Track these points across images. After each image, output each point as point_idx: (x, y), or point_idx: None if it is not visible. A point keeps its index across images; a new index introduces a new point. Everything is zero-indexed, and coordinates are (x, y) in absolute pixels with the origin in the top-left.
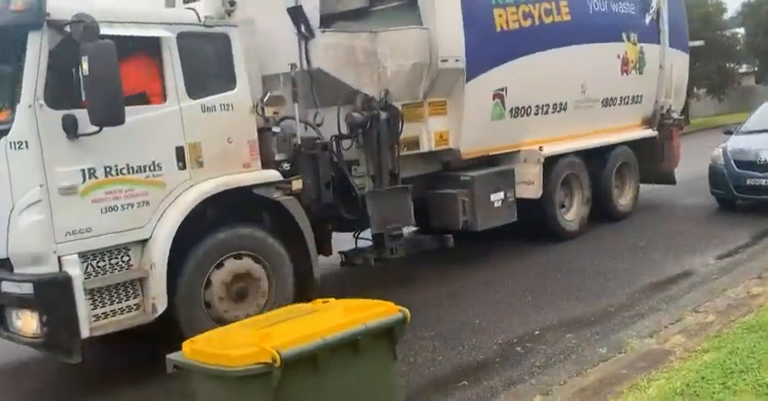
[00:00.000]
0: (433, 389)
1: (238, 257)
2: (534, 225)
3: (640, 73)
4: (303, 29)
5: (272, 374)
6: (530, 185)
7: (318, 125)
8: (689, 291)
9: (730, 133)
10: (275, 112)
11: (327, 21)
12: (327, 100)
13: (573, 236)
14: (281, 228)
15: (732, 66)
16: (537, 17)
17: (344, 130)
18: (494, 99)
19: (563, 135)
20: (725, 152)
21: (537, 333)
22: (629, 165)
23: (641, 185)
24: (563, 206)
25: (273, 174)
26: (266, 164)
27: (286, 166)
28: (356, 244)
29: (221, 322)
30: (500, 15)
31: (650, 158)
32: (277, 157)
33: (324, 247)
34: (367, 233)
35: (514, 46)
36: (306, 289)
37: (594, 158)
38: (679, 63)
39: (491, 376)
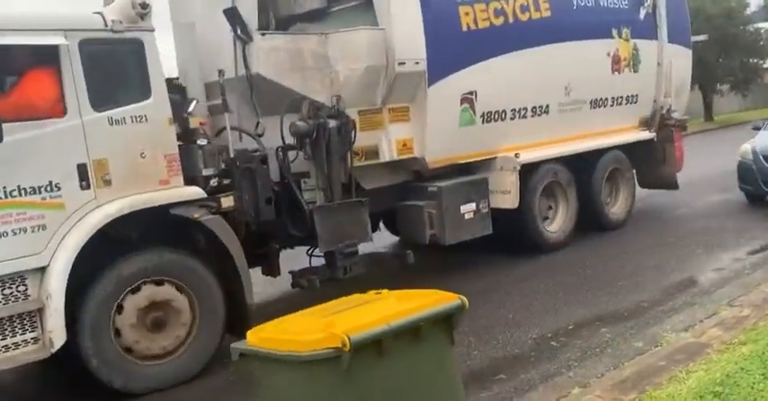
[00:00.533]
0: (471, 382)
1: (159, 283)
2: (514, 237)
3: (635, 71)
4: (240, 32)
5: (342, 358)
6: (506, 195)
7: (260, 135)
8: (722, 286)
9: (758, 129)
10: (201, 123)
11: (286, 22)
12: (272, 108)
13: (557, 248)
14: (214, 251)
15: (756, 61)
16: (511, 14)
17: (291, 140)
18: (462, 103)
19: (546, 139)
20: (753, 148)
21: (571, 327)
22: (622, 171)
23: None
24: (546, 217)
25: (193, 192)
26: (192, 180)
27: (214, 182)
28: (310, 262)
29: (132, 352)
30: (466, 13)
31: (650, 162)
32: (204, 172)
33: (271, 268)
34: None
35: (484, 46)
36: (240, 317)
37: (582, 164)
38: (680, 60)
39: (527, 369)
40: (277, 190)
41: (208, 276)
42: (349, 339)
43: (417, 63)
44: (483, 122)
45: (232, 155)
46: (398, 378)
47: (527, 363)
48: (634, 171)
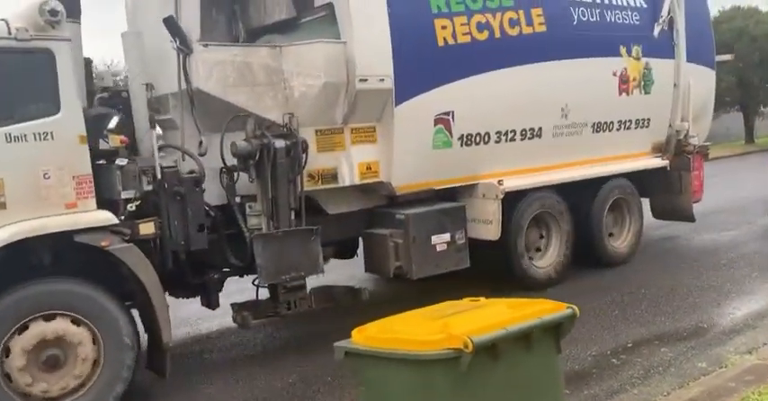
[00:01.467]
0: None
1: (49, 318)
2: (496, 272)
3: (646, 92)
4: (179, 43)
5: (461, 359)
6: (488, 225)
7: (201, 155)
8: None
9: None
10: (123, 141)
11: (255, 34)
12: (218, 126)
13: (545, 286)
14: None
15: None
16: (497, 29)
17: (234, 161)
18: (436, 124)
19: (539, 165)
20: None
21: (629, 345)
22: (628, 202)
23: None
24: (538, 249)
25: (101, 217)
26: (111, 203)
27: (132, 206)
28: (257, 294)
29: (29, 397)
30: (443, 27)
31: (664, 191)
32: (124, 195)
33: (210, 299)
34: None
35: (465, 63)
36: (158, 354)
37: (580, 193)
38: (701, 81)
39: (591, 386)
40: (215, 215)
41: (113, 308)
42: (472, 341)
43: (382, 80)
44: (462, 145)
45: (159, 177)
46: (510, 382)
47: (590, 379)
48: (648, 200)
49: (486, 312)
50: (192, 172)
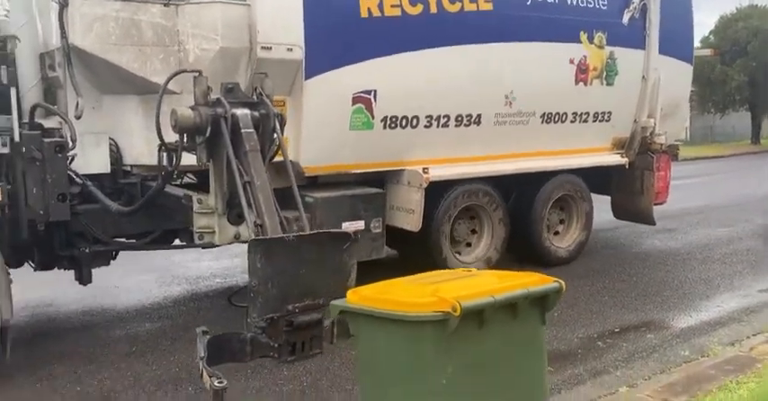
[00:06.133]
0: None
1: None
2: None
3: (609, 84)
4: None
5: (449, 322)
6: (410, 214)
7: (77, 117)
8: None
9: None
10: None
11: None
12: (108, 87)
13: None
14: None
15: None
16: (433, 3)
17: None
18: (354, 103)
19: (475, 155)
20: None
21: (617, 330)
22: (576, 200)
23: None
24: (469, 244)
25: None
26: None
27: None
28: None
29: None
30: None
31: (624, 191)
32: None
33: (81, 273)
34: None
35: (392, 38)
36: None
37: (521, 188)
38: (675, 75)
39: (575, 365)
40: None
41: None
42: (460, 305)
43: (290, 49)
44: (385, 128)
45: (17, 139)
46: (494, 348)
47: (575, 359)
48: (609, 198)
49: (477, 281)
50: (51, 136)
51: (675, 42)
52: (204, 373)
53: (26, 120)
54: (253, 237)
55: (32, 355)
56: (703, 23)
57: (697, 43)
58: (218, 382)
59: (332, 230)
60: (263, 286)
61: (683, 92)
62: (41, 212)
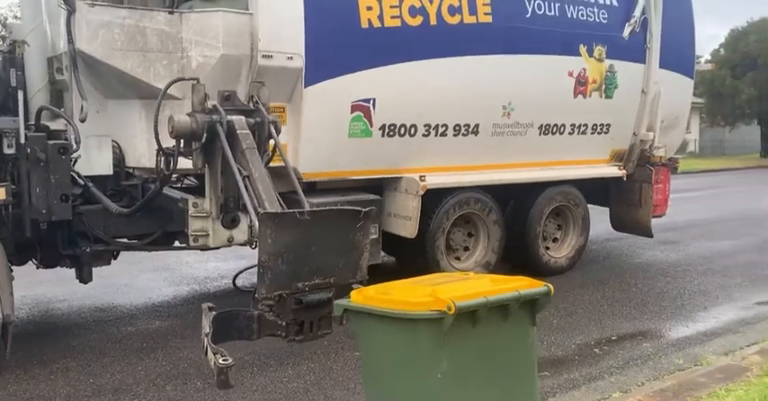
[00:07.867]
0: None
1: None
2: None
3: (608, 96)
4: (63, 1)
5: (444, 320)
6: (406, 221)
7: (82, 121)
8: (766, 319)
9: None
10: None
11: None
12: (112, 92)
13: None
14: None
15: None
16: (433, 15)
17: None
18: (353, 111)
19: (472, 164)
20: None
21: (613, 338)
22: (572, 210)
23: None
24: (466, 248)
25: None
26: None
27: None
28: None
29: None
30: (369, 7)
31: (623, 203)
32: None
33: (82, 272)
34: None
35: (391, 48)
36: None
37: (518, 197)
38: (675, 89)
39: (571, 370)
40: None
41: None
42: (454, 304)
43: (291, 58)
44: (383, 136)
45: (23, 141)
46: (487, 346)
47: (570, 365)
48: (611, 210)
49: (471, 283)
50: (57, 138)
51: (676, 56)
52: (209, 350)
53: (32, 122)
54: (262, 213)
55: (47, 349)
56: (715, 36)
57: (707, 56)
58: (223, 360)
59: (345, 207)
60: (273, 261)
61: (684, 105)
62: (44, 211)
